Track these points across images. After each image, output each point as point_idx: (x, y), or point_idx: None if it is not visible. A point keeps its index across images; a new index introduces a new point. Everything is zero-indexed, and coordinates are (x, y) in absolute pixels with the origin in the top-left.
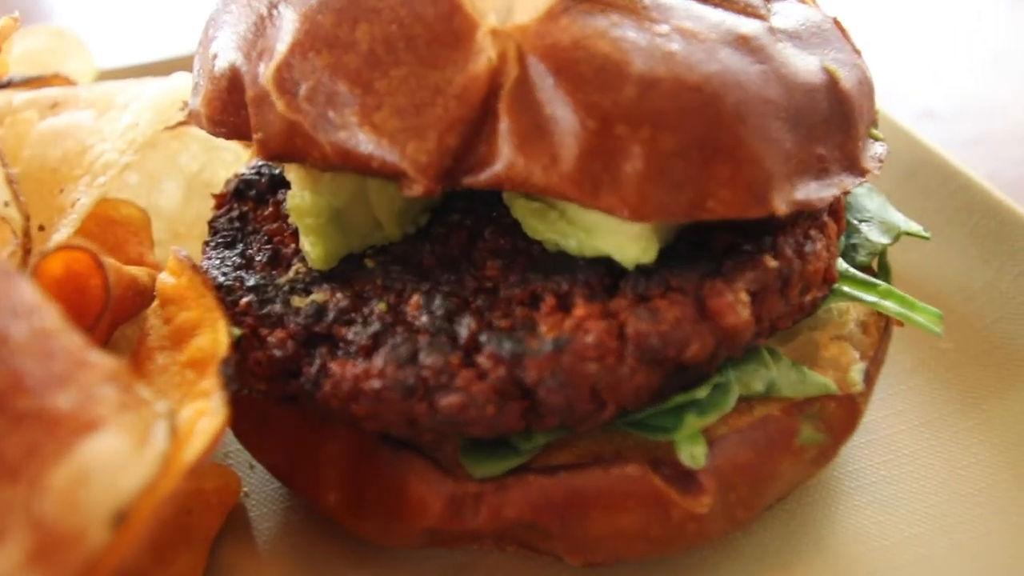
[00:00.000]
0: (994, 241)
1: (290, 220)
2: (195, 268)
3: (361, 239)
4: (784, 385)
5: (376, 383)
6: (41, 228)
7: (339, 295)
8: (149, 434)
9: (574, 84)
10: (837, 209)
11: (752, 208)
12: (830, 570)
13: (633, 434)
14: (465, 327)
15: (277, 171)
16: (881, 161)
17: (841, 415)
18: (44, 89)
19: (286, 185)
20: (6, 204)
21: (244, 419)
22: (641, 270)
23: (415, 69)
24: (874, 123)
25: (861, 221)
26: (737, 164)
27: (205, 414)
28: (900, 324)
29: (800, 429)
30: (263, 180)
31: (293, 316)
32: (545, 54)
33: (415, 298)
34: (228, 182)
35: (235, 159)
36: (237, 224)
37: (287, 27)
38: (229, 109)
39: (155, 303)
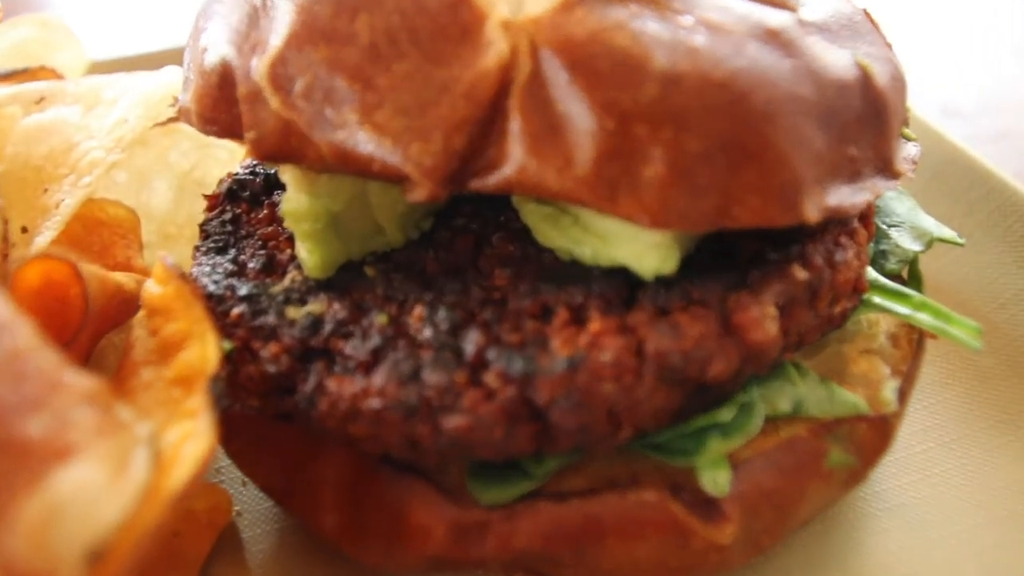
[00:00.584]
0: None
1: (286, 225)
2: (183, 276)
3: (361, 245)
4: (812, 404)
5: (376, 402)
6: (24, 230)
7: (337, 306)
8: (128, 462)
9: (591, 81)
10: (867, 214)
11: (781, 215)
12: None
13: (651, 458)
14: (472, 342)
15: (273, 171)
16: (915, 163)
17: (873, 437)
18: (30, 83)
19: (283, 186)
20: None
21: (236, 437)
22: (661, 281)
23: (419, 64)
24: (906, 122)
25: (891, 226)
26: (766, 168)
27: (191, 437)
28: (934, 337)
29: (829, 452)
30: (258, 180)
31: (288, 328)
32: (559, 48)
33: (418, 310)
34: (221, 182)
35: (229, 157)
36: (230, 227)
37: (282, 18)
38: (220, 106)
39: (141, 313)
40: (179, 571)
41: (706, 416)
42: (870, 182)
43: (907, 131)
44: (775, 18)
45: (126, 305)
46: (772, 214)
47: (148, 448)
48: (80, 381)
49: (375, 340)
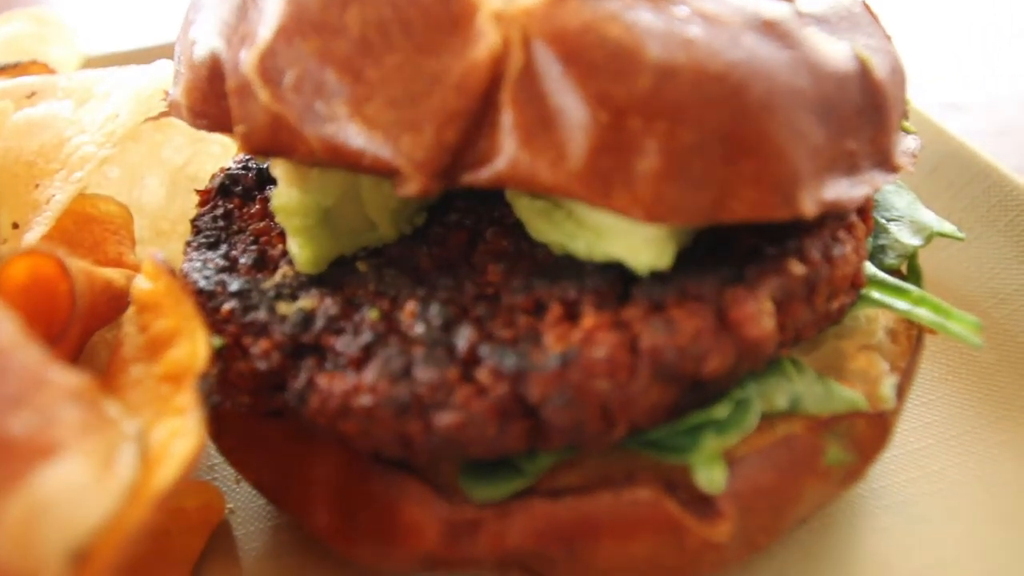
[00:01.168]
0: None
1: (277, 220)
2: (172, 273)
3: (352, 240)
4: (809, 401)
5: (367, 399)
6: (15, 226)
7: (328, 301)
8: (114, 459)
9: (584, 72)
10: (865, 208)
11: (778, 209)
12: None
13: (646, 455)
14: (464, 338)
15: (266, 165)
16: (914, 156)
17: (871, 434)
18: (21, 77)
19: (276, 181)
20: None
21: (228, 434)
22: (655, 276)
23: (410, 56)
24: (905, 115)
25: (890, 220)
26: (763, 161)
27: (180, 434)
28: (933, 333)
29: (826, 449)
30: (251, 175)
31: (279, 324)
32: (552, 39)
33: (410, 305)
34: (213, 177)
35: (222, 152)
36: (221, 223)
37: (271, 10)
38: (210, 99)
39: (131, 309)
40: (171, 570)
41: (701, 413)
42: (868, 175)
43: (907, 124)
44: (772, 9)
45: (117, 301)
46: (769, 208)
47: (135, 445)
48: (65, 378)
49: (366, 336)
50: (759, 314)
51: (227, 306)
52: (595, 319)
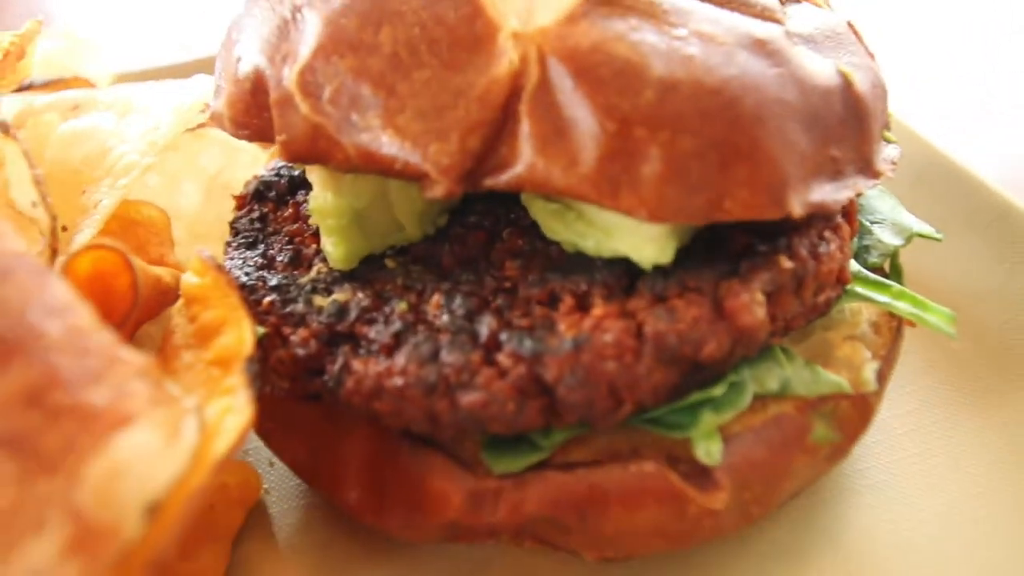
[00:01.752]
0: (1006, 244)
1: (311, 221)
2: (219, 268)
3: (382, 240)
4: (798, 384)
5: (398, 380)
6: (64, 229)
7: (360, 295)
8: (179, 429)
9: (594, 87)
10: (850, 211)
11: (769, 209)
12: (841, 567)
13: (650, 431)
14: (485, 326)
15: (296, 172)
16: (894, 163)
17: (854, 414)
18: (64, 92)
19: (305, 186)
20: (34, 205)
21: (266, 417)
22: (658, 270)
23: (437, 72)
24: (887, 126)
25: (873, 223)
26: (755, 166)
27: (231, 411)
28: (912, 325)
29: (814, 427)
30: (282, 181)
31: (315, 315)
32: (565, 57)
33: (436, 297)
34: (247, 183)
35: (253, 160)
36: (258, 225)
37: (311, 30)
38: (252, 111)
39: (180, 302)
40: (214, 542)
41: (700, 393)
42: (851, 180)
43: (888, 134)
44: (763, 29)
45: (163, 296)
46: (760, 208)
47: (195, 418)
48: (134, 357)
49: (396, 325)
50: (751, 304)
51: (267, 299)
52: (604, 309)
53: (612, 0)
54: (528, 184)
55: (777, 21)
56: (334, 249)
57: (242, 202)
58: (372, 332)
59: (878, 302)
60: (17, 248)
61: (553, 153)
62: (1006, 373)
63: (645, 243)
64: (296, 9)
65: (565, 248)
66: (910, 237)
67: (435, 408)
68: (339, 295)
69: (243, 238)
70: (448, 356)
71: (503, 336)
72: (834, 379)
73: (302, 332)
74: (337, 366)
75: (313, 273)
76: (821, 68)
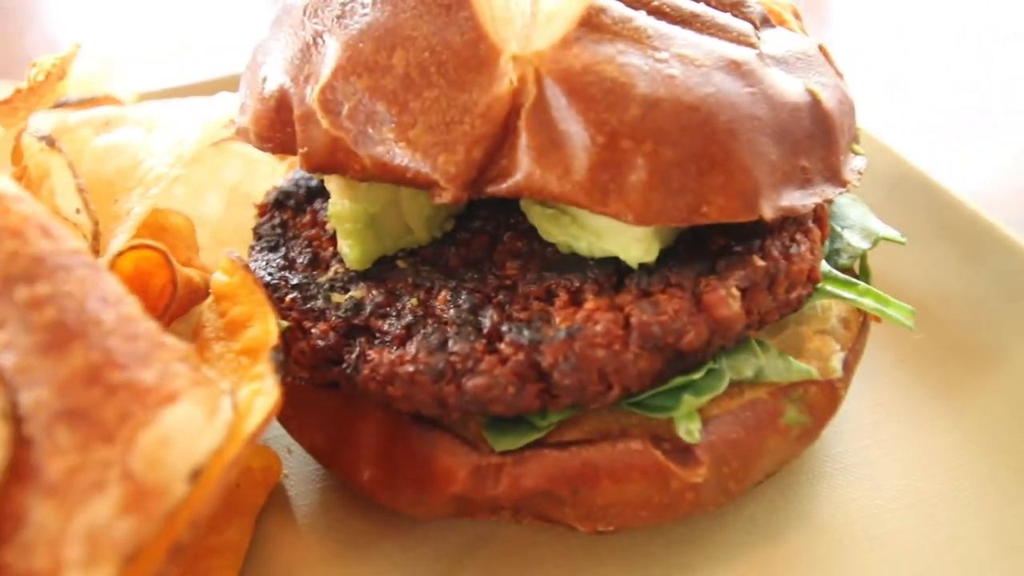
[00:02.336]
0: (970, 250)
1: (328, 226)
2: (246, 268)
3: (393, 242)
4: (771, 372)
5: (410, 367)
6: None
7: (375, 292)
8: (217, 407)
9: (585, 104)
10: (821, 216)
11: (743, 213)
12: (814, 540)
13: (636, 413)
14: (488, 318)
15: (313, 183)
16: (861, 173)
17: (822, 399)
18: (96, 109)
19: (321, 195)
20: (78, 211)
21: (287, 405)
22: (644, 268)
23: (445, 91)
24: (855, 139)
25: (844, 228)
26: (729, 174)
27: (260, 393)
28: (878, 320)
29: (785, 411)
30: (300, 191)
31: (334, 311)
32: (560, 77)
33: (443, 294)
34: (268, 193)
35: (271, 172)
36: (279, 230)
37: (331, 54)
38: (276, 126)
39: (209, 299)
40: (240, 517)
41: (681, 378)
42: (819, 188)
43: (856, 147)
44: (738, 52)
45: (193, 295)
46: (735, 212)
47: (230, 398)
48: (177, 344)
49: (408, 318)
50: (727, 298)
51: (289, 297)
52: (595, 303)
53: (601, 27)
54: (526, 191)
55: (751, 45)
56: (350, 251)
57: (264, 210)
58: (385, 325)
59: (846, 299)
60: (75, 247)
61: (549, 163)
62: (967, 366)
63: (632, 244)
64: (317, 35)
65: (560, 249)
66: (876, 241)
67: (443, 392)
68: (355, 292)
69: (266, 242)
70: (454, 345)
71: (504, 327)
72: (804, 367)
73: (322, 325)
74: (354, 355)
75: (331, 273)
76: (791, 87)
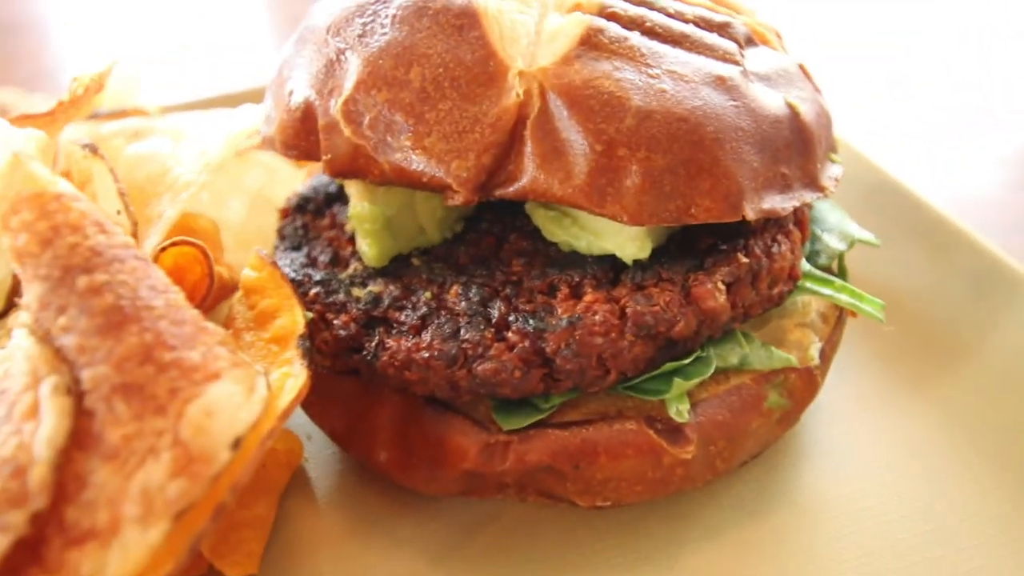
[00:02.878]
0: (940, 251)
1: (347, 227)
2: (274, 264)
3: (408, 242)
4: (755, 360)
5: (425, 354)
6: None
7: (391, 287)
8: (254, 385)
9: (585, 115)
10: (802, 220)
11: (728, 214)
12: (797, 517)
13: (631, 396)
14: (496, 310)
15: (331, 189)
16: (837, 180)
17: (801, 385)
18: (126, 120)
19: (338, 200)
20: (119, 212)
21: (309, 393)
22: (638, 265)
23: (458, 103)
24: (833, 149)
25: (823, 231)
26: (716, 179)
27: (290, 376)
28: (853, 315)
29: (768, 395)
30: (319, 196)
31: (354, 304)
32: (562, 91)
33: (454, 288)
34: (289, 199)
35: (290, 178)
36: (301, 232)
37: (353, 69)
38: (302, 135)
39: (239, 294)
40: (266, 494)
41: (672, 364)
42: (798, 193)
43: (834, 156)
44: (724, 69)
45: (223, 291)
46: (721, 214)
47: (264, 378)
48: (216, 328)
49: (422, 310)
50: (714, 291)
51: (313, 291)
52: (594, 295)
53: (599, 45)
54: (531, 194)
55: (736, 63)
56: (368, 249)
57: (286, 213)
58: (402, 316)
59: (824, 295)
60: (127, 241)
61: (552, 169)
62: (938, 359)
63: (627, 243)
64: (340, 52)
65: (562, 248)
66: (852, 243)
67: (455, 376)
68: (373, 287)
69: (289, 242)
70: (466, 334)
71: (511, 317)
72: (785, 355)
73: (343, 317)
74: (374, 343)
75: (350, 270)
76: (772, 100)
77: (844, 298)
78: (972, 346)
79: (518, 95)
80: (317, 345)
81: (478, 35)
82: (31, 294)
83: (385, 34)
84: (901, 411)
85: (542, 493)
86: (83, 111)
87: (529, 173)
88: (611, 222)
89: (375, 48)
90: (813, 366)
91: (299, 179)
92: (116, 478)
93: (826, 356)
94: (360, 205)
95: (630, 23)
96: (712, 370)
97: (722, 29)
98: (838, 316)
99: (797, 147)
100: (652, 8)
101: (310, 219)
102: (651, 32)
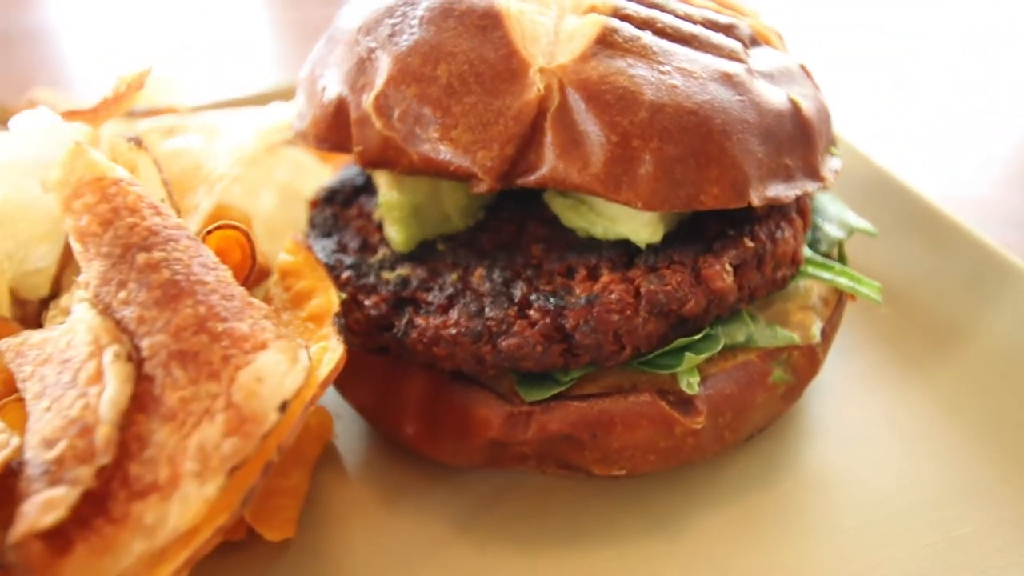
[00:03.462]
0: (935, 241)
1: (375, 215)
2: (309, 248)
3: (434, 229)
4: (760, 338)
5: (452, 330)
6: None
7: (419, 270)
8: (297, 355)
9: (601, 108)
10: (804, 209)
11: (734, 201)
12: (800, 488)
13: (645, 371)
14: (519, 290)
15: (358, 181)
16: (837, 172)
17: (804, 361)
18: (161, 117)
19: (364, 192)
20: (163, 200)
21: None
22: (651, 248)
23: (482, 97)
24: (833, 143)
25: (824, 221)
26: (723, 168)
27: (327, 350)
28: (852, 298)
29: (772, 371)
30: (347, 188)
31: (384, 286)
32: (580, 86)
33: (479, 271)
34: (318, 191)
35: (316, 173)
36: (331, 221)
37: (383, 66)
38: (334, 129)
39: (275, 276)
40: (301, 466)
41: (683, 340)
42: (800, 183)
43: (834, 150)
44: (730, 66)
45: (259, 275)
46: (728, 200)
47: (305, 350)
48: (261, 304)
49: (449, 291)
50: (722, 273)
51: (344, 275)
52: (610, 276)
53: (614, 44)
54: (551, 182)
55: (741, 61)
56: (396, 235)
57: (315, 204)
58: (430, 297)
59: (824, 279)
60: (179, 222)
61: (570, 158)
62: (932, 342)
63: (641, 228)
64: (370, 51)
65: (579, 234)
66: (851, 232)
67: (481, 351)
68: (402, 270)
69: (320, 230)
70: (490, 312)
71: (532, 296)
72: (788, 334)
73: (374, 298)
74: (403, 322)
75: (379, 255)
76: (775, 96)
77: (843, 281)
78: (964, 330)
79: (539, 90)
80: (349, 324)
81: (501, 35)
82: (92, 271)
83: (413, 34)
84: (897, 389)
85: (560, 464)
86: (123, 107)
87: (549, 162)
88: (626, 208)
89: (404, 47)
90: (815, 344)
91: (325, 174)
92: (175, 437)
93: (827, 336)
94: (389, 194)
95: (642, 24)
96: (720, 346)
97: (728, 30)
98: (838, 299)
99: (799, 140)
100: (662, 10)
101: (338, 209)
102: (662, 32)
